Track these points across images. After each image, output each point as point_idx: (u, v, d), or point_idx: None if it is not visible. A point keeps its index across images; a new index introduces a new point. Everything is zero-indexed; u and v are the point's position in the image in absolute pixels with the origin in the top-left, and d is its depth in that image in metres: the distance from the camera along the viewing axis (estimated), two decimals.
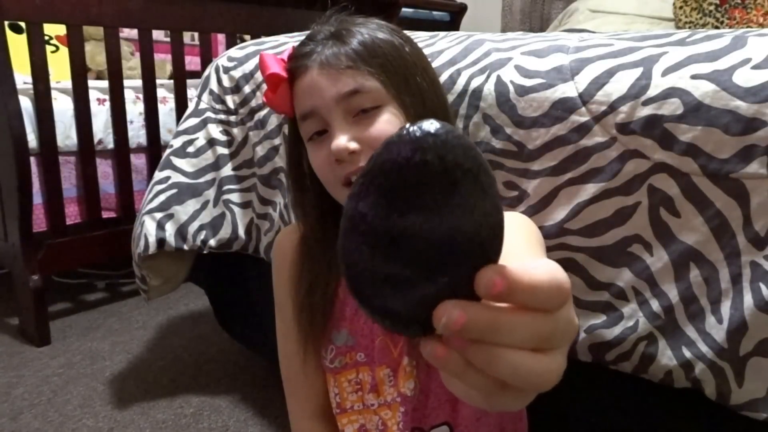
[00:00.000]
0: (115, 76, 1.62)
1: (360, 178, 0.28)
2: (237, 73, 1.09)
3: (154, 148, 1.72)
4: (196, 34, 2.04)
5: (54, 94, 1.54)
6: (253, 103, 1.05)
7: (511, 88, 0.72)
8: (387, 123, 0.61)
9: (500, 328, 0.26)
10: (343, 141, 0.60)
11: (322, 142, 0.63)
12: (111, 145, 1.66)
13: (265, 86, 1.01)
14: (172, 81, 1.81)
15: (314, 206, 0.70)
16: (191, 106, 1.17)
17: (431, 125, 0.26)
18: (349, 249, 0.28)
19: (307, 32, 0.67)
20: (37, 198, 1.54)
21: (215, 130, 1.12)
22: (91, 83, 1.65)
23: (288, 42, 1.09)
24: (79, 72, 1.56)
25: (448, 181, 0.25)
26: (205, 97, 1.15)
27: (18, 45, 1.55)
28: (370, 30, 0.64)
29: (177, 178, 1.12)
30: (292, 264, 0.72)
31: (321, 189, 0.67)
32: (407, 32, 0.92)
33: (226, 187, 1.11)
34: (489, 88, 0.74)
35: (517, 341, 0.26)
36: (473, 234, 0.26)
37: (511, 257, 0.44)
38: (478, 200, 0.26)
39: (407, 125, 0.26)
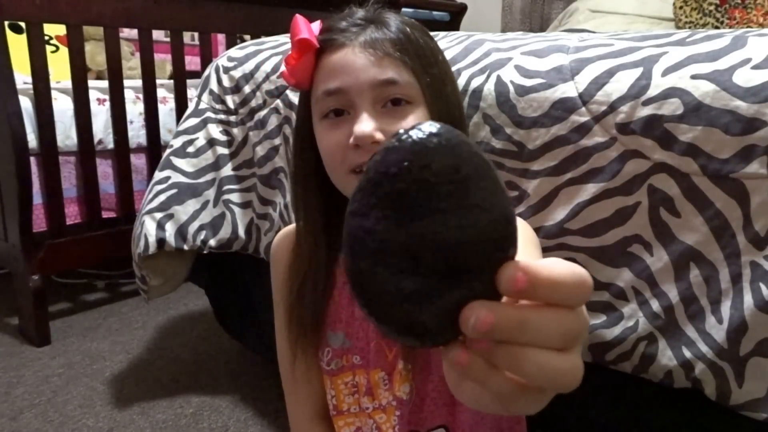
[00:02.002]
0: (115, 76, 1.62)
1: (358, 192, 0.26)
2: (237, 73, 1.09)
3: (154, 148, 1.72)
4: (196, 34, 2.04)
5: (54, 94, 1.54)
6: (253, 103, 1.05)
7: (511, 88, 0.72)
8: (418, 122, 0.60)
9: (528, 327, 0.25)
10: (369, 127, 0.57)
11: (339, 123, 0.60)
12: (111, 145, 1.66)
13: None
14: (172, 81, 1.81)
15: (315, 198, 0.67)
16: (191, 106, 1.17)
17: (432, 126, 0.25)
18: (360, 272, 0.26)
19: None
20: (37, 198, 1.54)
21: (215, 130, 1.12)
22: (91, 83, 1.65)
23: (288, 42, 1.09)
24: (79, 72, 1.56)
25: (458, 182, 0.24)
26: (205, 97, 1.15)
27: (18, 45, 1.55)
28: (410, 26, 0.62)
29: (177, 178, 1.12)
30: (288, 266, 0.72)
31: (324, 181, 0.65)
32: None
33: (226, 187, 1.11)
34: (489, 88, 0.74)
35: (543, 340, 0.25)
36: (492, 231, 0.25)
37: None
38: (490, 197, 0.25)
39: (403, 130, 0.25)
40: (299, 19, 0.62)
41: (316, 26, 0.64)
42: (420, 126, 0.25)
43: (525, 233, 0.64)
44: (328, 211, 0.67)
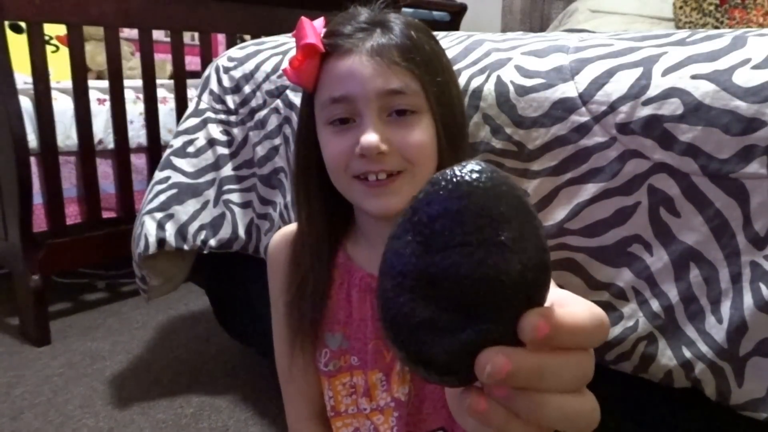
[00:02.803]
0: (115, 76, 1.62)
1: (401, 217, 0.27)
2: (237, 73, 1.09)
3: (154, 148, 1.72)
4: (196, 34, 2.04)
5: (54, 94, 1.54)
6: (253, 103, 1.05)
7: (511, 88, 0.72)
8: (424, 133, 0.59)
9: (546, 374, 0.24)
10: (375, 139, 0.57)
11: (345, 131, 0.60)
12: (111, 145, 1.66)
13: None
14: (172, 81, 1.81)
15: (314, 199, 0.67)
16: (191, 106, 1.17)
17: (477, 166, 0.25)
18: (384, 292, 0.26)
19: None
20: (37, 198, 1.54)
21: (215, 130, 1.12)
22: (91, 83, 1.65)
23: (288, 42, 1.09)
24: (79, 72, 1.56)
25: (490, 218, 0.24)
26: (205, 97, 1.15)
27: (18, 45, 1.55)
28: (414, 29, 0.61)
29: (177, 178, 1.12)
30: (286, 264, 0.72)
31: (325, 181, 0.64)
32: None
33: (226, 187, 1.11)
34: (489, 88, 0.74)
35: (562, 385, 0.25)
36: (519, 276, 0.24)
37: None
38: (523, 240, 0.25)
39: (453, 168, 0.25)
40: (305, 22, 0.61)
41: (319, 24, 0.63)
42: (465, 165, 0.26)
43: None
44: (329, 210, 0.67)
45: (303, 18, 0.62)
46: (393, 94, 0.58)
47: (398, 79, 0.58)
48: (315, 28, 0.61)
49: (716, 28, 1.66)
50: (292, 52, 0.62)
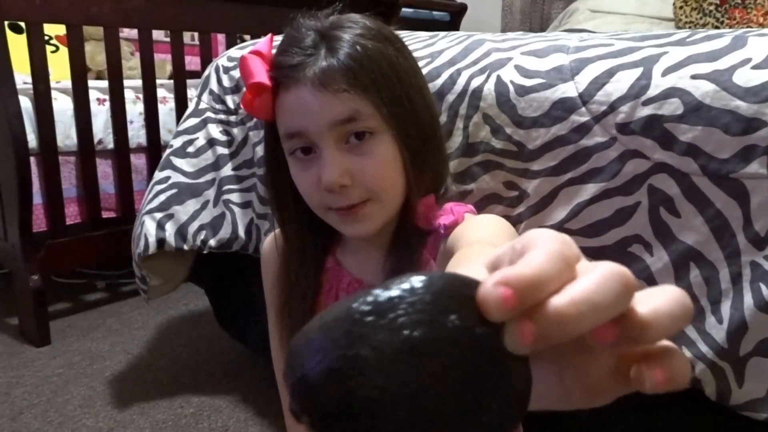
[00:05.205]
0: (115, 76, 1.62)
1: None
2: (237, 73, 1.09)
3: (154, 148, 1.72)
4: (196, 34, 2.04)
5: (54, 94, 1.54)
6: None
7: (511, 88, 0.72)
8: (383, 158, 0.58)
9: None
10: (334, 175, 0.56)
11: (309, 162, 0.59)
12: (111, 145, 1.65)
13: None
14: (172, 81, 1.81)
15: (294, 217, 0.67)
16: (191, 106, 1.17)
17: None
18: None
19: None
20: (37, 198, 1.54)
21: (215, 130, 1.12)
22: (91, 83, 1.65)
23: None
24: (79, 72, 1.56)
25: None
26: (205, 97, 1.15)
27: (18, 45, 1.54)
28: (362, 39, 0.58)
29: (177, 178, 1.12)
30: (276, 270, 0.72)
31: (300, 200, 0.64)
32: (406, 32, 0.91)
33: (226, 187, 1.11)
34: (489, 88, 0.73)
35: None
36: None
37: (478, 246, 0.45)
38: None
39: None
40: (249, 59, 0.60)
41: (265, 45, 0.61)
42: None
43: (500, 228, 0.61)
44: (311, 223, 0.67)
45: (245, 56, 0.61)
46: (345, 122, 0.57)
47: (347, 106, 0.56)
48: (261, 61, 0.60)
49: (716, 28, 1.66)
50: None
